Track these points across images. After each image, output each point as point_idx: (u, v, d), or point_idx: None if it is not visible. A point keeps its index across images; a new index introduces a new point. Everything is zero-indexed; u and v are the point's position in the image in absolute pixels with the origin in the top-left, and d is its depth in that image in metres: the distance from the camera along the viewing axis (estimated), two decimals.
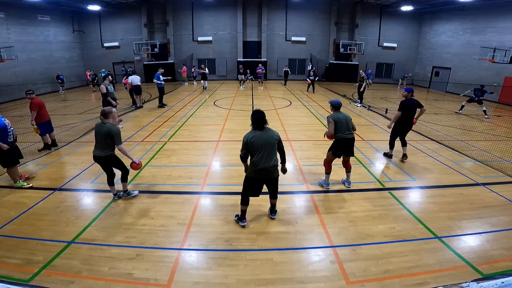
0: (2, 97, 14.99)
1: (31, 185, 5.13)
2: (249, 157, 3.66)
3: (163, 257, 3.34)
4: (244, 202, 3.87)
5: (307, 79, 17.32)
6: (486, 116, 11.10)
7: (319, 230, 3.88)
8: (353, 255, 3.40)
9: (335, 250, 3.47)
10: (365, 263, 3.26)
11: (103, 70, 19.13)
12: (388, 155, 6.54)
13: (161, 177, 5.55)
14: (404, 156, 6.28)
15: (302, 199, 4.78)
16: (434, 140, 7.94)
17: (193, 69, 21.22)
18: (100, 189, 5.03)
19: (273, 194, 3.95)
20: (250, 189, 3.77)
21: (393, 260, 3.30)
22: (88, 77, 20.74)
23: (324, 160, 4.98)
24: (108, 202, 4.57)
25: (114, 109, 4.38)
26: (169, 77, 14.07)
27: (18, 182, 5.06)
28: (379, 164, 6.32)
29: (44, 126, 6.88)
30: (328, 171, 4.97)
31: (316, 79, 17.02)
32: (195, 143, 7.69)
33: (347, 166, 4.99)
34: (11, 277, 2.98)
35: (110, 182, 4.51)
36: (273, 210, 4.12)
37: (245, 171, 3.79)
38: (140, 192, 4.94)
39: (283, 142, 3.79)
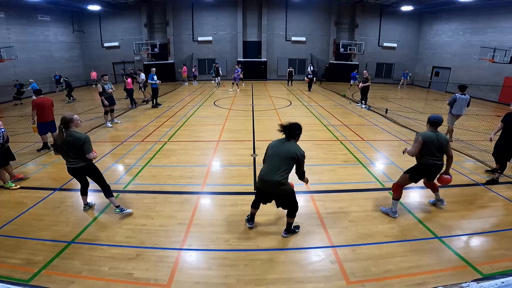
0: (2, 97, 14.99)
1: (18, 186, 5.08)
2: None
3: (163, 257, 3.34)
4: (253, 205, 3.82)
5: (306, 77, 17.68)
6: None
7: (319, 230, 3.87)
8: (353, 255, 3.40)
9: (335, 250, 3.47)
10: (365, 263, 3.26)
11: (30, 80, 13.92)
12: (494, 171, 5.34)
13: (161, 177, 5.55)
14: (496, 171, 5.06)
15: (302, 199, 4.75)
16: None
17: (193, 69, 21.23)
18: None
19: (287, 212, 3.62)
20: (256, 196, 3.73)
21: (393, 260, 3.30)
22: (94, 77, 20.40)
23: (395, 184, 4.19)
24: (108, 202, 4.57)
25: (75, 116, 3.86)
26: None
27: (7, 183, 5.05)
28: (379, 164, 6.32)
29: (44, 126, 6.98)
30: (397, 196, 4.13)
31: (314, 78, 17.32)
32: (195, 143, 7.69)
33: (433, 187, 4.30)
34: (11, 277, 2.99)
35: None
36: (287, 229, 3.72)
37: None
38: (140, 192, 4.94)
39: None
